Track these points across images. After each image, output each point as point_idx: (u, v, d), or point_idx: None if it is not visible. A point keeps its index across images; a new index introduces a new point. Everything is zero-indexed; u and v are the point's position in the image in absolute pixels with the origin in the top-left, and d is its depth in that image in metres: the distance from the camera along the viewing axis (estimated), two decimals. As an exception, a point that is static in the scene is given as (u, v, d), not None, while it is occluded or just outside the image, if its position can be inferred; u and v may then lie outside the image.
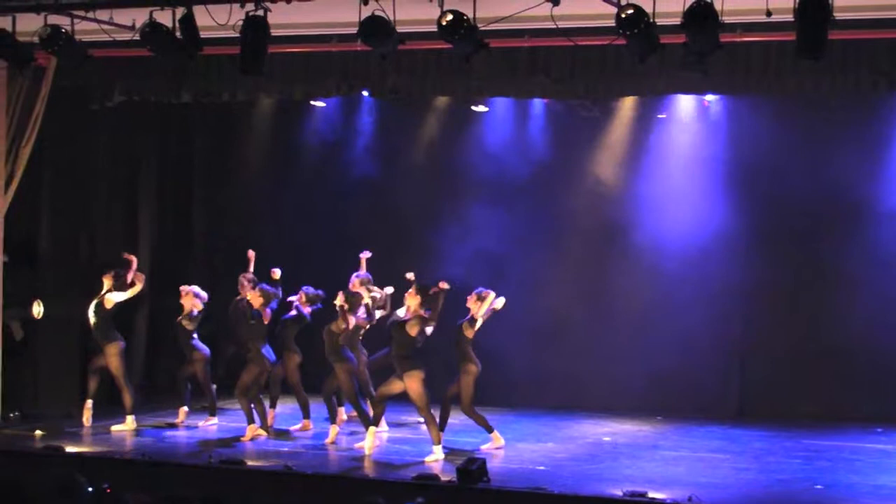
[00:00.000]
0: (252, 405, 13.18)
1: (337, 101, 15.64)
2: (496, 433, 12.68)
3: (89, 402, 13.69)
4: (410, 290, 12.41)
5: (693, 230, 14.97)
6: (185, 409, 14.10)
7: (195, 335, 13.92)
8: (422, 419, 12.47)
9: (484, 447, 12.52)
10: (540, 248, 15.76)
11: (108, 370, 13.63)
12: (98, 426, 13.52)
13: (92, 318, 13.58)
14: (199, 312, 13.89)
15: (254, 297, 13.26)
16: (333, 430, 12.97)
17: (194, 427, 13.84)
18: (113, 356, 13.56)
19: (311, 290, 13.64)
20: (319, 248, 16.24)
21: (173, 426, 13.90)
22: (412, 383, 12.04)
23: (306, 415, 13.70)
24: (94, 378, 13.73)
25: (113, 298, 13.56)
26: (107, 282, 13.62)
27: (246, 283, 13.90)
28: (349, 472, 11.41)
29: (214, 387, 14.23)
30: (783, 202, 14.81)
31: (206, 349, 13.99)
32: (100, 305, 13.55)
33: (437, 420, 12.24)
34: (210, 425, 13.95)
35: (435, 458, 11.85)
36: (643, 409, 14.91)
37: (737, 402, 15.13)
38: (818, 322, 14.77)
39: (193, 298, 13.84)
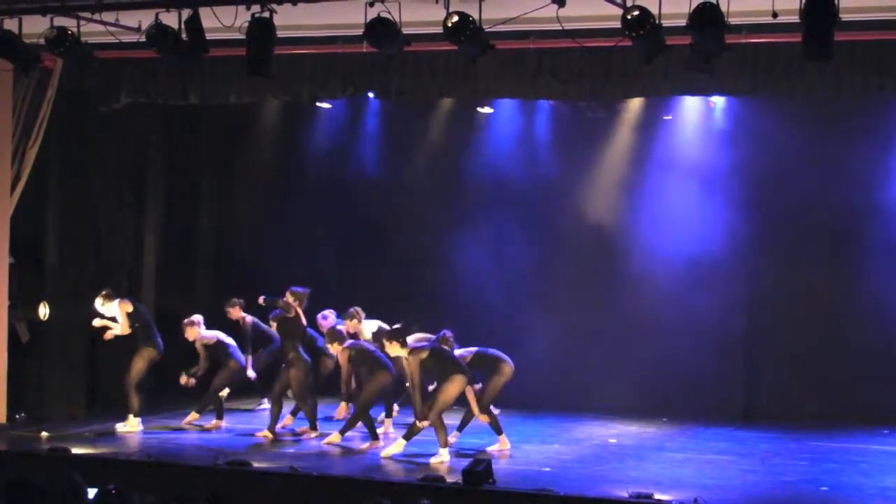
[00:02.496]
0: (274, 405, 13.25)
1: (343, 102, 15.63)
2: (504, 436, 12.68)
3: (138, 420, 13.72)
4: (387, 344, 12.33)
5: (699, 233, 14.94)
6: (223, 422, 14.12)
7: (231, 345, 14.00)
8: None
9: (490, 448, 12.52)
10: (546, 250, 15.75)
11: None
12: (103, 428, 13.53)
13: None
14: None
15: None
16: (336, 436, 12.97)
17: (200, 429, 13.85)
18: (140, 359, 13.61)
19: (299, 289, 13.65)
20: (325, 249, 16.25)
21: (181, 428, 13.92)
22: (452, 386, 12.05)
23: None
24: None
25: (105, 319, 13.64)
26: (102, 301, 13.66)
27: (231, 308, 14.10)
28: (354, 474, 11.39)
29: (227, 391, 14.23)
30: (790, 203, 14.80)
31: (242, 359, 14.01)
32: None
33: (454, 423, 12.28)
34: (217, 427, 13.94)
35: (440, 460, 11.85)
36: (649, 410, 14.89)
37: (743, 403, 15.12)
38: (825, 323, 14.76)
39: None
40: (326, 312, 14.13)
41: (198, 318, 13.96)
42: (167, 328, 14.65)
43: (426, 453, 12.07)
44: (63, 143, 14.26)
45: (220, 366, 13.96)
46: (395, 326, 12.51)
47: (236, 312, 14.19)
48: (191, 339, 13.86)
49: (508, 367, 12.78)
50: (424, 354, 12.08)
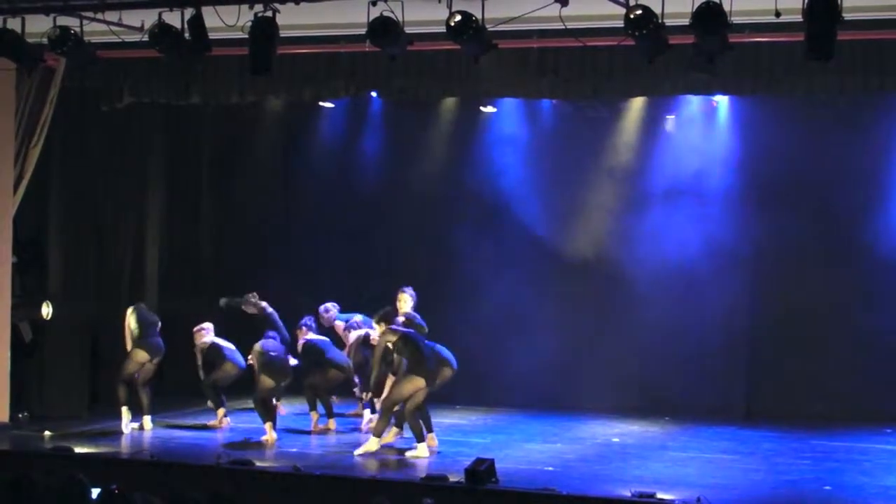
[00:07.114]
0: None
1: (345, 102, 15.62)
2: (425, 441, 12.20)
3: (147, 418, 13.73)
4: (376, 325, 12.51)
5: (702, 231, 14.94)
6: (223, 409, 14.07)
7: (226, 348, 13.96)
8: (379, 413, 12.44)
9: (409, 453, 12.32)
10: (549, 248, 15.73)
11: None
12: (106, 427, 13.53)
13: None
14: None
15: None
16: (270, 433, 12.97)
17: (203, 427, 13.85)
18: (129, 360, 13.62)
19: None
20: (327, 248, 16.25)
21: (207, 427, 13.89)
22: (408, 384, 12.03)
23: (330, 415, 13.72)
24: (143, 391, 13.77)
25: None
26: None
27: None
28: (357, 473, 11.41)
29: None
30: (792, 202, 14.79)
31: (242, 363, 13.86)
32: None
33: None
34: (220, 425, 13.93)
35: (367, 450, 11.98)
36: (651, 409, 14.89)
37: (745, 403, 15.11)
38: (827, 323, 14.74)
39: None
40: (328, 305, 14.11)
41: (207, 326, 13.99)
42: (169, 327, 14.66)
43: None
44: (66, 142, 14.27)
45: (215, 367, 13.96)
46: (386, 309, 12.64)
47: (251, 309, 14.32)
48: (198, 343, 13.94)
49: (450, 369, 12.61)
50: (394, 337, 12.16)
